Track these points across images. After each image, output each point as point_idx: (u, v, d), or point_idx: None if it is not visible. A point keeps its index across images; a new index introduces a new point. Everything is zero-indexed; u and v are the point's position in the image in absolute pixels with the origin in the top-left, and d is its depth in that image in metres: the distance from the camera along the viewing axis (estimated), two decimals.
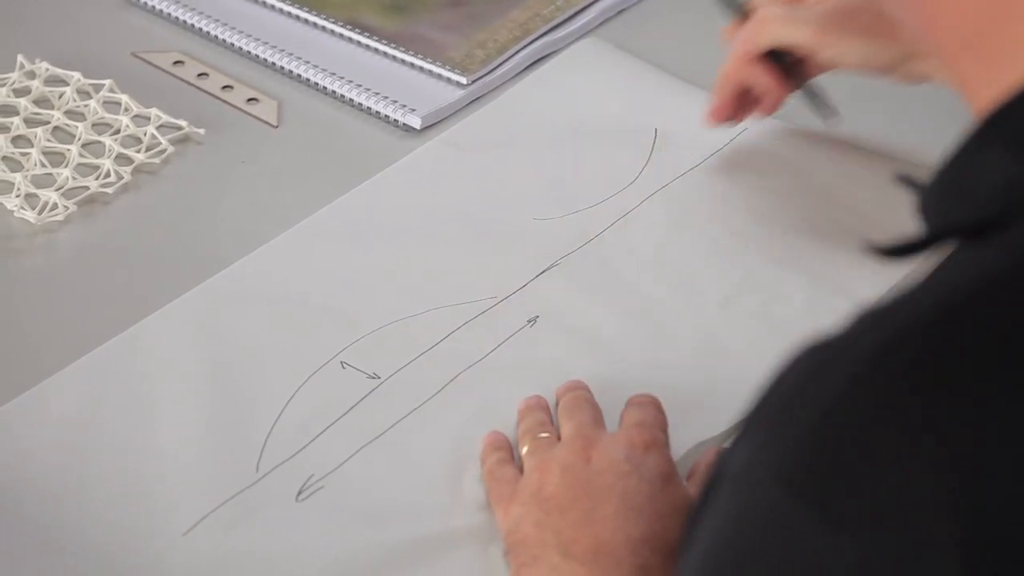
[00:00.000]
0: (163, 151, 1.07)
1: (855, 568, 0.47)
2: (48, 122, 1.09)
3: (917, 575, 0.46)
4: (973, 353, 0.48)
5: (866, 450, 0.48)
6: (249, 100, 1.13)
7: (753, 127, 1.07)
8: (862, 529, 0.47)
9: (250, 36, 1.18)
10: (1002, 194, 0.51)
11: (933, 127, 1.06)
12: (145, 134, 1.08)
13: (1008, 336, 0.48)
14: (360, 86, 1.13)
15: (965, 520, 0.46)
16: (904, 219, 0.98)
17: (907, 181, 0.56)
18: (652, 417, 0.84)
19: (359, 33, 1.18)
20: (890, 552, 0.46)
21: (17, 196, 1.02)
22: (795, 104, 1.08)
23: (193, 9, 1.20)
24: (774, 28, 0.95)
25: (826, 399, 0.49)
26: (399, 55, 1.16)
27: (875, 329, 0.51)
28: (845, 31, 0.94)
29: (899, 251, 0.54)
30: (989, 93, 0.53)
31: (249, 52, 1.17)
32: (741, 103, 1.01)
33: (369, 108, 1.12)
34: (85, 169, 1.06)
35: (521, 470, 0.83)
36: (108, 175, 1.05)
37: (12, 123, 1.08)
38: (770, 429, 0.51)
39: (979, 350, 0.48)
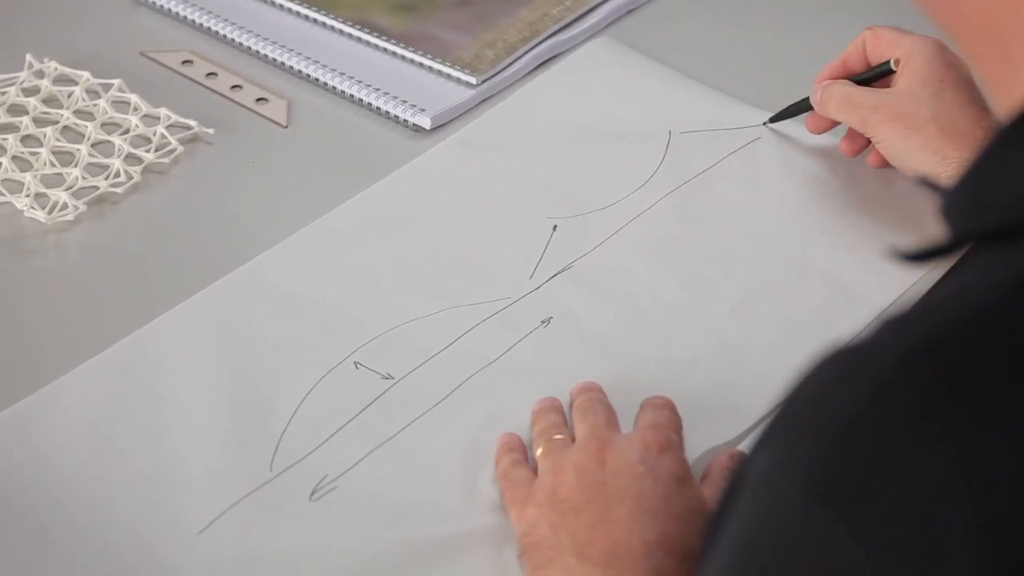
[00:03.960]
0: (172, 151, 1.07)
1: None
2: (57, 122, 1.09)
3: None
4: (996, 362, 0.48)
5: (890, 461, 0.47)
6: (258, 100, 1.13)
7: (767, 130, 1.08)
8: (886, 541, 0.46)
9: (259, 36, 1.18)
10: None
11: None
12: (154, 134, 1.08)
13: None
14: (369, 86, 1.13)
15: (987, 532, 0.45)
16: (920, 223, 0.99)
17: (928, 184, 0.56)
18: (667, 419, 0.84)
19: (368, 33, 1.18)
20: (912, 564, 0.46)
21: (27, 196, 1.02)
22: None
23: (202, 9, 1.20)
24: (832, 107, 1.01)
25: (849, 409, 0.49)
26: (408, 55, 1.16)
27: (898, 337, 0.50)
28: (890, 125, 0.97)
29: (922, 256, 0.53)
30: (1015, 93, 0.52)
31: (258, 52, 1.17)
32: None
33: (379, 108, 1.12)
34: (95, 169, 1.05)
35: (535, 472, 0.83)
36: (118, 175, 1.05)
37: (21, 122, 1.08)
38: (792, 438, 0.50)
39: (1002, 359, 0.48)
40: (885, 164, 1.02)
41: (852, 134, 1.04)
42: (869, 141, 1.03)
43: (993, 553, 0.45)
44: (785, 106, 1.07)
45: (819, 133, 1.06)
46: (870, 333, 0.51)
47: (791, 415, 0.51)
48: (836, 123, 1.04)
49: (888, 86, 1.01)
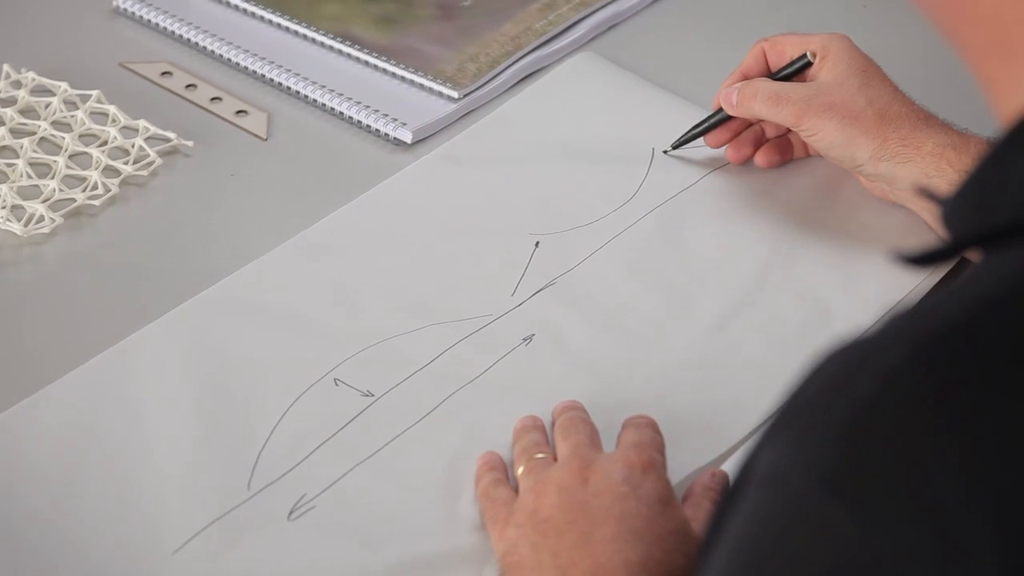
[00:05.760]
0: (151, 163, 1.06)
1: (890, 569, 0.46)
2: (34, 132, 1.07)
3: None
4: (1007, 351, 0.48)
5: (902, 449, 0.47)
6: (238, 112, 1.12)
7: None
8: (898, 529, 0.46)
9: (239, 47, 1.17)
10: None
11: None
12: (133, 146, 1.07)
13: None
14: (351, 99, 1.12)
15: (1002, 521, 0.45)
16: (902, 240, 0.99)
17: (927, 193, 0.56)
18: (649, 438, 0.83)
19: (350, 46, 1.17)
20: (926, 553, 0.46)
21: (3, 208, 1.01)
22: None
23: (181, 20, 1.19)
24: (759, 105, 1.00)
25: (862, 397, 0.49)
26: (390, 68, 1.15)
27: (909, 329, 0.50)
28: (828, 115, 0.98)
29: (924, 259, 0.54)
30: (1017, 98, 0.52)
31: (238, 64, 1.16)
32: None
33: (360, 121, 1.11)
34: (72, 181, 1.04)
35: (516, 491, 0.82)
36: (95, 187, 1.04)
37: None
38: (803, 429, 0.50)
39: (1013, 348, 0.48)
40: (775, 164, 1.04)
41: (739, 142, 1.04)
42: (755, 149, 1.04)
43: (1008, 540, 0.45)
44: (683, 134, 1.06)
45: (718, 147, 1.05)
46: (880, 326, 0.51)
47: (799, 407, 0.51)
48: (735, 135, 1.05)
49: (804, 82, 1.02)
